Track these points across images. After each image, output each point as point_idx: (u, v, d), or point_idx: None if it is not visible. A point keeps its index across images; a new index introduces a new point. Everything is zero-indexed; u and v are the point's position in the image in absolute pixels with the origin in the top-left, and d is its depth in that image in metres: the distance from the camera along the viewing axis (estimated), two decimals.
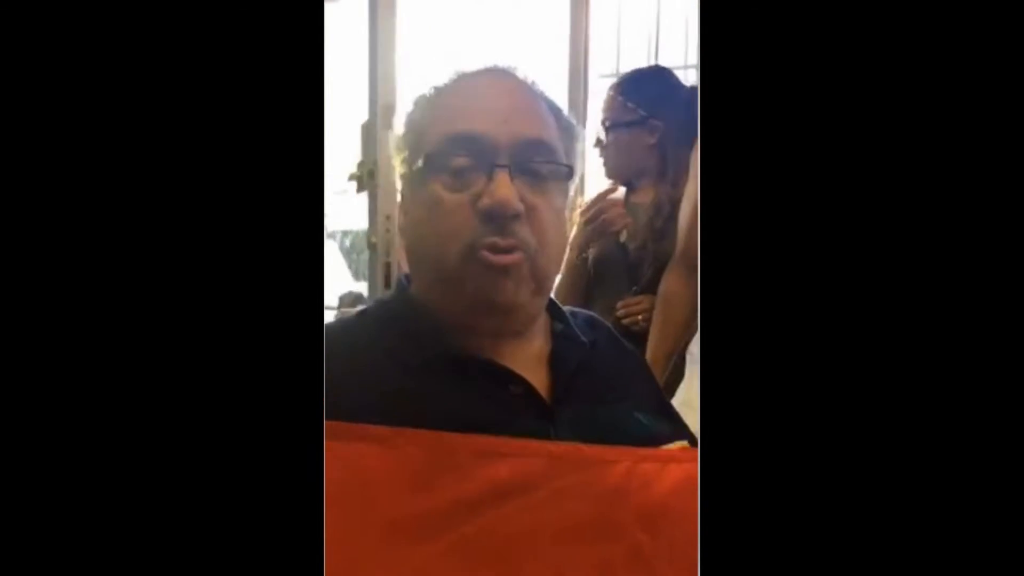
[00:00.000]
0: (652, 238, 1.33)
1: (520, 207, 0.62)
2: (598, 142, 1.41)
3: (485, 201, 0.61)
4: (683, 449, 0.57)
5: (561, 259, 0.70)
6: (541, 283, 0.66)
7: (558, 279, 1.32)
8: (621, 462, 0.54)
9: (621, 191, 1.33)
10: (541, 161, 0.65)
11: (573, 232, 1.31)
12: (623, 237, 1.37)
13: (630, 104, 1.38)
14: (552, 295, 1.35)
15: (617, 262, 1.38)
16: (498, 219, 0.61)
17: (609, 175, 1.42)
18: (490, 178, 0.62)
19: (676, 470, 0.55)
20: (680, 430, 0.72)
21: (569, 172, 0.68)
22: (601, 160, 1.42)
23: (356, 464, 0.51)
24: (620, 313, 1.30)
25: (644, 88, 1.40)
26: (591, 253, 1.37)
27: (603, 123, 1.39)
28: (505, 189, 0.61)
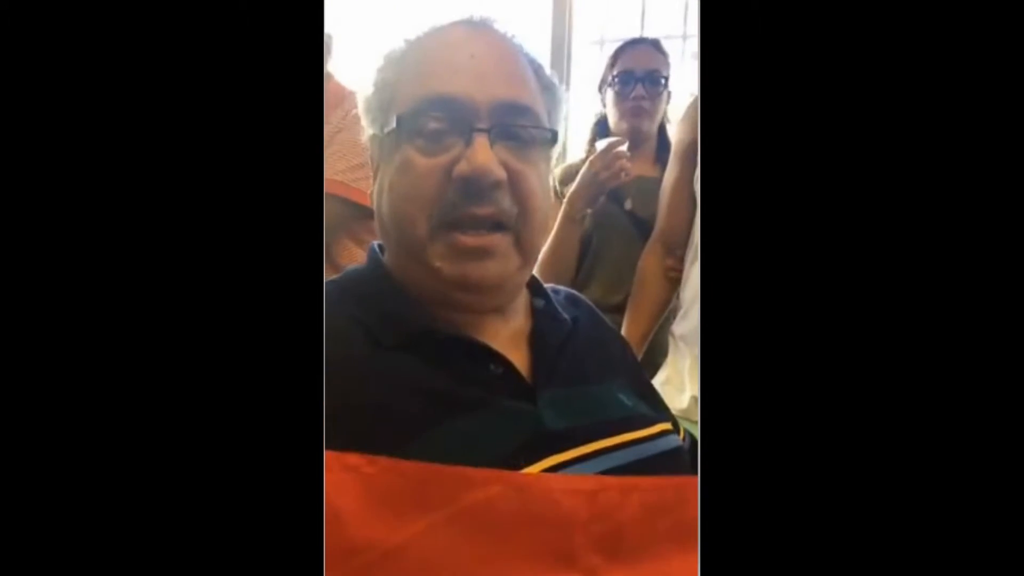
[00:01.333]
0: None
1: (502, 174, 0.58)
2: (612, 84, 1.39)
3: (463, 167, 0.57)
4: (645, 478, 0.57)
5: (547, 229, 0.66)
6: (527, 256, 0.62)
7: (550, 240, 1.31)
8: (582, 491, 0.53)
9: (626, 143, 1.28)
10: (523, 125, 0.60)
11: (574, 185, 1.29)
12: (628, 205, 1.35)
13: (670, 62, 1.40)
14: (540, 262, 1.34)
15: (622, 230, 1.35)
16: (477, 187, 0.57)
17: (629, 125, 1.39)
18: (468, 143, 0.57)
19: (636, 499, 0.55)
20: (662, 412, 0.70)
21: (553, 137, 0.64)
22: (615, 107, 1.40)
23: (329, 494, 0.48)
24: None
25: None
26: (591, 216, 1.32)
27: (634, 73, 1.37)
28: (485, 155, 0.57)
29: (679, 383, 1.15)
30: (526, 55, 0.65)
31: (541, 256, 1.34)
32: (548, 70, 0.68)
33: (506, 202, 0.59)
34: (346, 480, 0.49)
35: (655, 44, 1.43)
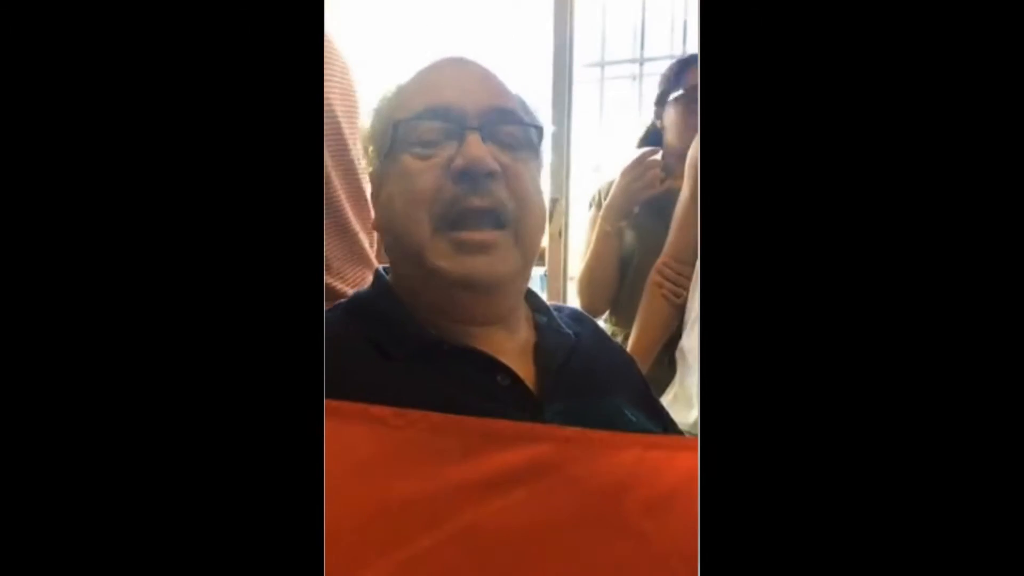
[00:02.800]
0: None
1: (495, 165, 0.61)
2: (667, 102, 1.36)
3: (459, 161, 0.60)
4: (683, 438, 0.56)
5: (543, 228, 0.68)
6: (525, 255, 0.65)
7: (588, 256, 1.30)
8: (631, 448, 0.53)
9: (660, 152, 1.28)
10: (511, 125, 0.64)
11: (608, 198, 1.28)
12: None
13: None
14: (579, 278, 1.30)
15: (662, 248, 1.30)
16: (473, 178, 0.60)
17: (676, 142, 1.35)
18: (462, 141, 0.61)
19: (686, 458, 0.53)
20: (668, 426, 0.71)
21: (539, 133, 0.68)
22: (682, 122, 1.35)
23: (356, 446, 0.49)
24: (659, 277, 1.22)
25: None
26: (633, 232, 1.31)
27: (679, 88, 1.33)
28: (478, 148, 0.60)
29: (686, 399, 1.16)
30: (509, 87, 0.68)
31: (580, 273, 1.35)
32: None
33: (503, 194, 0.62)
34: (374, 432, 0.50)
35: (690, 59, 1.41)
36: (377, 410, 0.50)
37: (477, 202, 0.60)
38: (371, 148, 0.69)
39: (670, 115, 1.39)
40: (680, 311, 1.24)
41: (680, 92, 1.36)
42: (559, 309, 0.76)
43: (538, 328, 0.70)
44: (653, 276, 1.25)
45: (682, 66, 1.41)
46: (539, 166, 0.69)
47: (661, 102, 1.42)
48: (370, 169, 0.69)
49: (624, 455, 0.52)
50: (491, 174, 0.61)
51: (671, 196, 1.31)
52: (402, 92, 0.67)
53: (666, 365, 1.25)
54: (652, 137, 1.44)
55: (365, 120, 0.70)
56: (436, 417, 0.50)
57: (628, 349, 1.23)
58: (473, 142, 0.61)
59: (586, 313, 0.81)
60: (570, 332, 0.71)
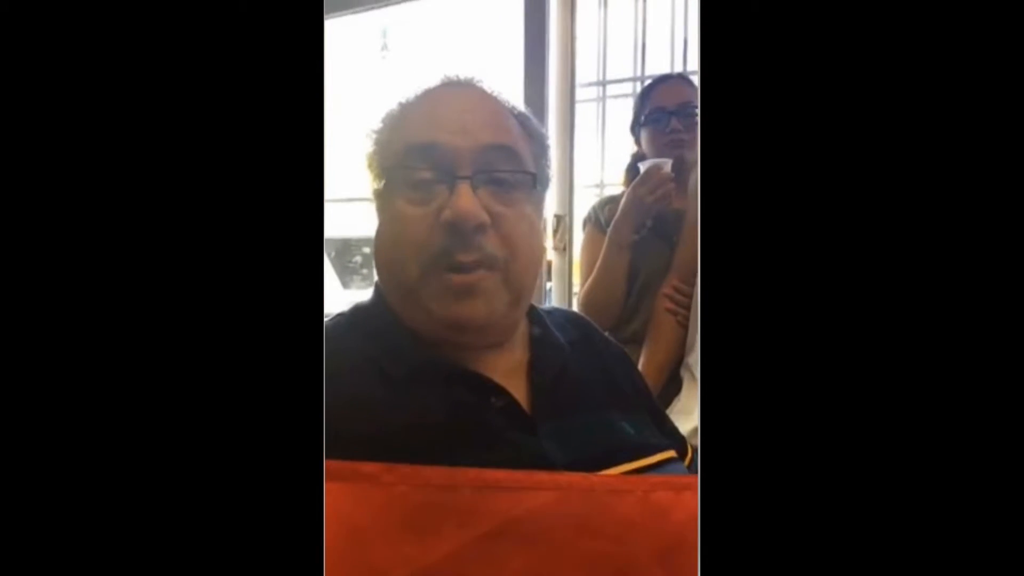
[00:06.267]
0: None
1: (485, 218, 0.60)
2: (640, 124, 1.39)
3: (447, 214, 0.60)
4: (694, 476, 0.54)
5: (538, 266, 0.68)
6: (517, 293, 0.64)
7: (596, 269, 1.31)
8: (634, 492, 0.51)
9: (669, 163, 1.28)
10: (505, 170, 0.63)
11: (618, 212, 1.28)
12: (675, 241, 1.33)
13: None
14: (585, 290, 1.32)
15: (668, 266, 1.31)
16: (461, 232, 0.60)
17: (671, 157, 1.35)
18: (452, 190, 0.60)
19: (690, 498, 0.51)
20: (667, 437, 0.71)
21: (533, 180, 0.66)
22: (652, 144, 1.39)
23: (344, 506, 0.47)
24: (671, 304, 1.24)
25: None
26: (638, 250, 1.31)
27: (666, 109, 1.36)
28: (467, 201, 0.60)
29: (688, 410, 1.16)
30: (511, 107, 0.68)
31: (587, 285, 1.35)
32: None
33: (490, 245, 0.61)
34: (365, 491, 0.48)
35: (682, 78, 1.43)
36: (367, 467, 0.49)
37: (464, 257, 0.60)
38: (373, 172, 0.69)
39: (645, 137, 1.41)
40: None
41: (647, 113, 1.39)
42: (551, 312, 0.75)
43: (532, 342, 0.70)
44: (664, 302, 1.25)
45: (647, 91, 1.44)
46: (536, 203, 0.68)
47: (635, 129, 1.45)
48: (374, 187, 0.69)
49: (627, 500, 0.50)
50: (480, 227, 0.60)
51: (672, 216, 1.32)
52: (400, 119, 0.67)
53: (674, 380, 1.26)
54: (637, 163, 1.45)
55: (369, 143, 0.70)
56: (428, 471, 0.48)
57: (641, 366, 1.23)
58: (463, 193, 0.60)
59: (584, 317, 0.81)
60: (564, 343, 0.70)
